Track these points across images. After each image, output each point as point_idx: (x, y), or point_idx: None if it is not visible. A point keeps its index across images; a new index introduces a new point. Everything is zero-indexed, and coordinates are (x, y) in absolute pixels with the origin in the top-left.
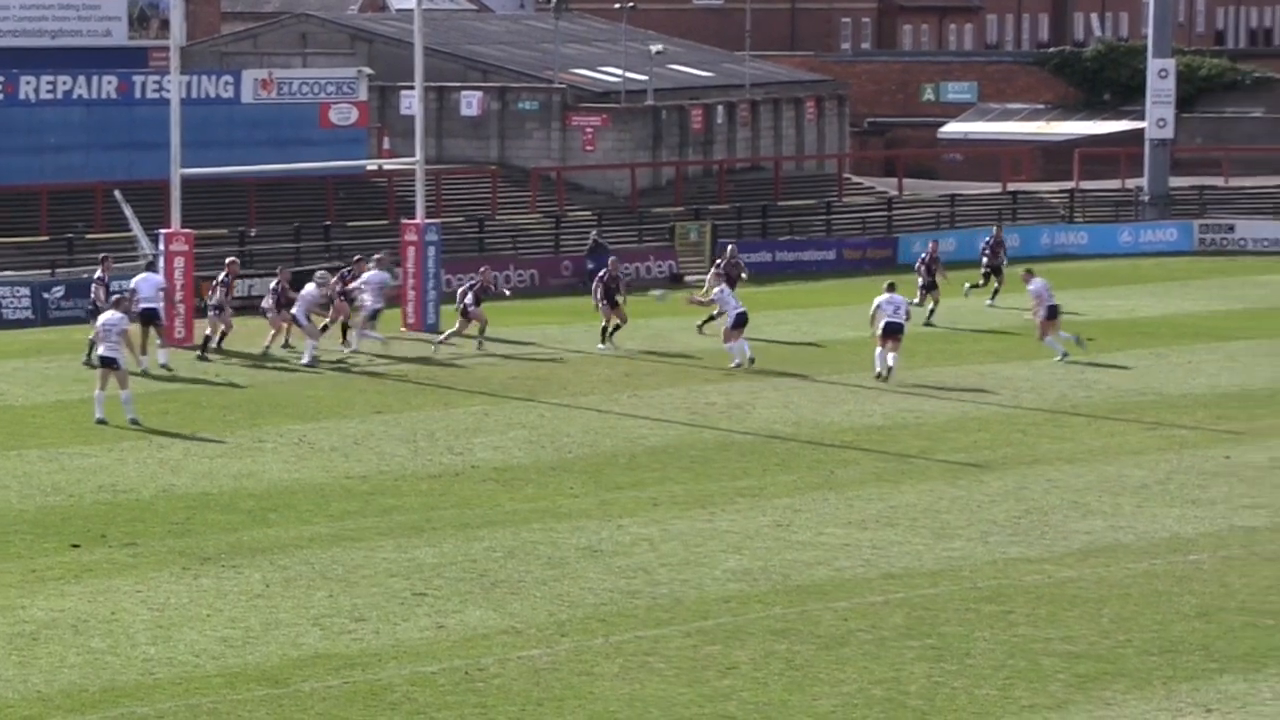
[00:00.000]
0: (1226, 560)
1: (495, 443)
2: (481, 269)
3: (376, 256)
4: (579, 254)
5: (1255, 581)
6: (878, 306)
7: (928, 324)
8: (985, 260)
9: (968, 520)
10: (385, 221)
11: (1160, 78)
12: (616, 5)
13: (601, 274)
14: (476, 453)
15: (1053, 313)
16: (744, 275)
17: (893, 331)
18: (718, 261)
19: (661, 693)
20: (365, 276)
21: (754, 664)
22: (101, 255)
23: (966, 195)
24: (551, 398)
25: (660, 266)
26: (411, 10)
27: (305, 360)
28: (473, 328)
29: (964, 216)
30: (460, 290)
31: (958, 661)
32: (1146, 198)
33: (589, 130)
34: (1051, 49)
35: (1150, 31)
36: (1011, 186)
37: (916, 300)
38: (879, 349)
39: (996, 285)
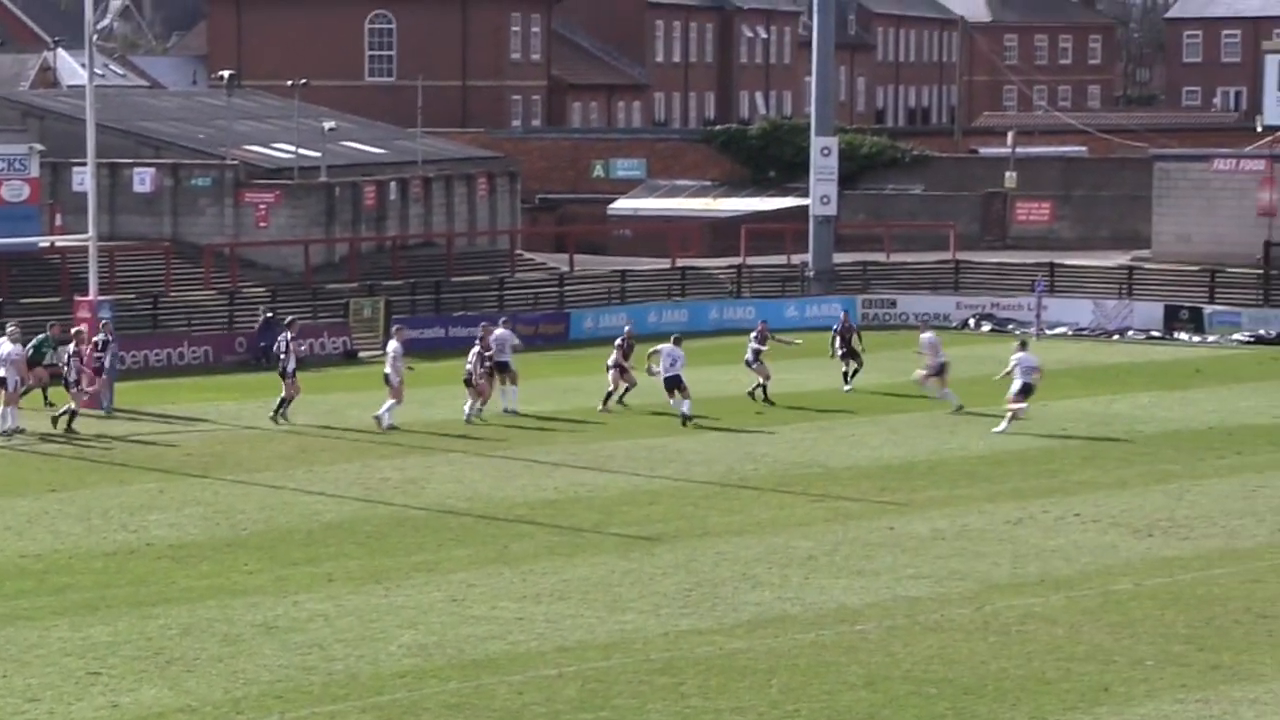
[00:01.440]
0: (891, 630)
1: (170, 520)
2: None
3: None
4: (252, 330)
5: (919, 651)
6: (655, 351)
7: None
8: (838, 344)
9: (640, 593)
10: (59, 299)
11: (823, 155)
12: (289, 82)
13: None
14: (151, 530)
15: (942, 369)
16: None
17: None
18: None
19: None
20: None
21: None
22: None
23: (637, 271)
24: (227, 474)
25: (335, 343)
26: (83, 87)
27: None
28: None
29: (634, 292)
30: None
31: None
32: (811, 273)
33: (262, 206)
34: (718, 126)
35: (813, 110)
36: (680, 262)
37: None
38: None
39: (857, 367)
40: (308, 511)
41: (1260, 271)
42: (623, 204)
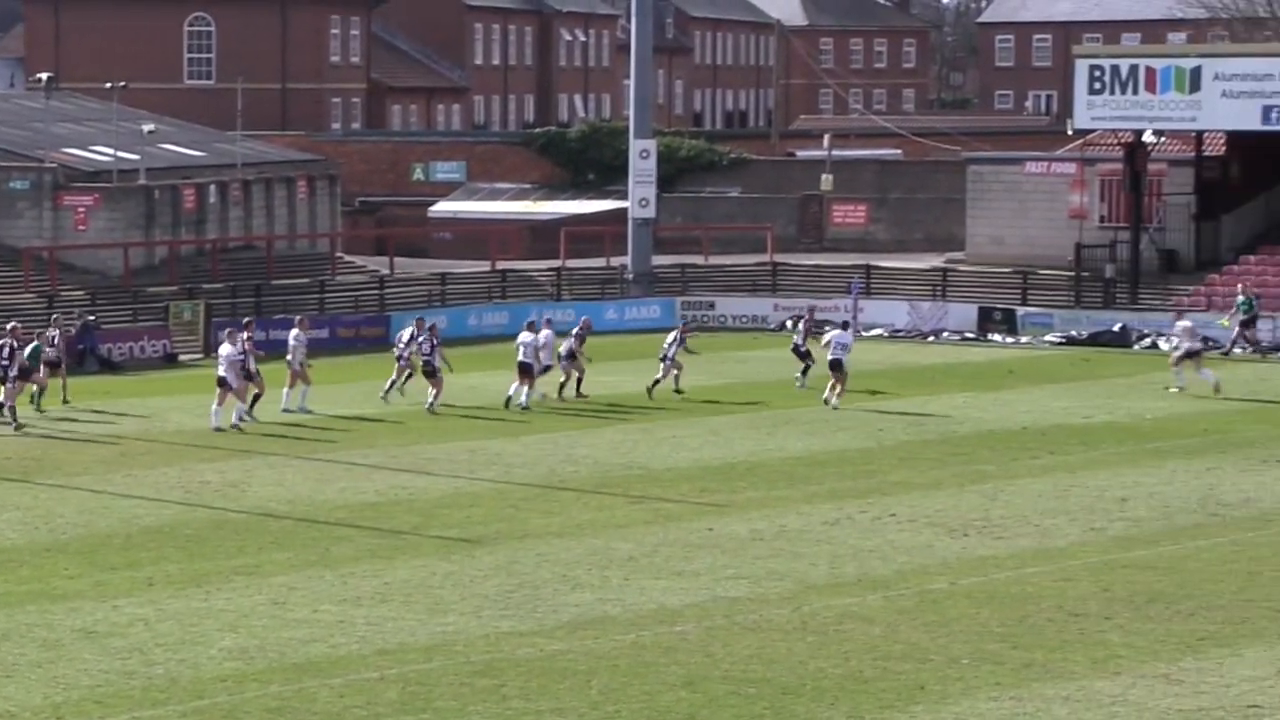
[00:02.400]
0: (710, 630)
1: None
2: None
3: None
4: (71, 334)
5: (737, 651)
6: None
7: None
8: (799, 342)
9: (461, 595)
10: None
11: (642, 158)
12: (108, 85)
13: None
14: None
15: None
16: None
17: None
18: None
19: None
20: None
21: None
22: None
23: (457, 274)
24: (45, 478)
25: (155, 346)
26: None
27: None
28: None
29: (455, 294)
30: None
31: None
32: (631, 275)
33: (81, 209)
34: (537, 129)
35: (631, 113)
36: (501, 264)
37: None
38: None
39: (806, 365)
40: (127, 515)
41: (1071, 273)
42: (443, 207)
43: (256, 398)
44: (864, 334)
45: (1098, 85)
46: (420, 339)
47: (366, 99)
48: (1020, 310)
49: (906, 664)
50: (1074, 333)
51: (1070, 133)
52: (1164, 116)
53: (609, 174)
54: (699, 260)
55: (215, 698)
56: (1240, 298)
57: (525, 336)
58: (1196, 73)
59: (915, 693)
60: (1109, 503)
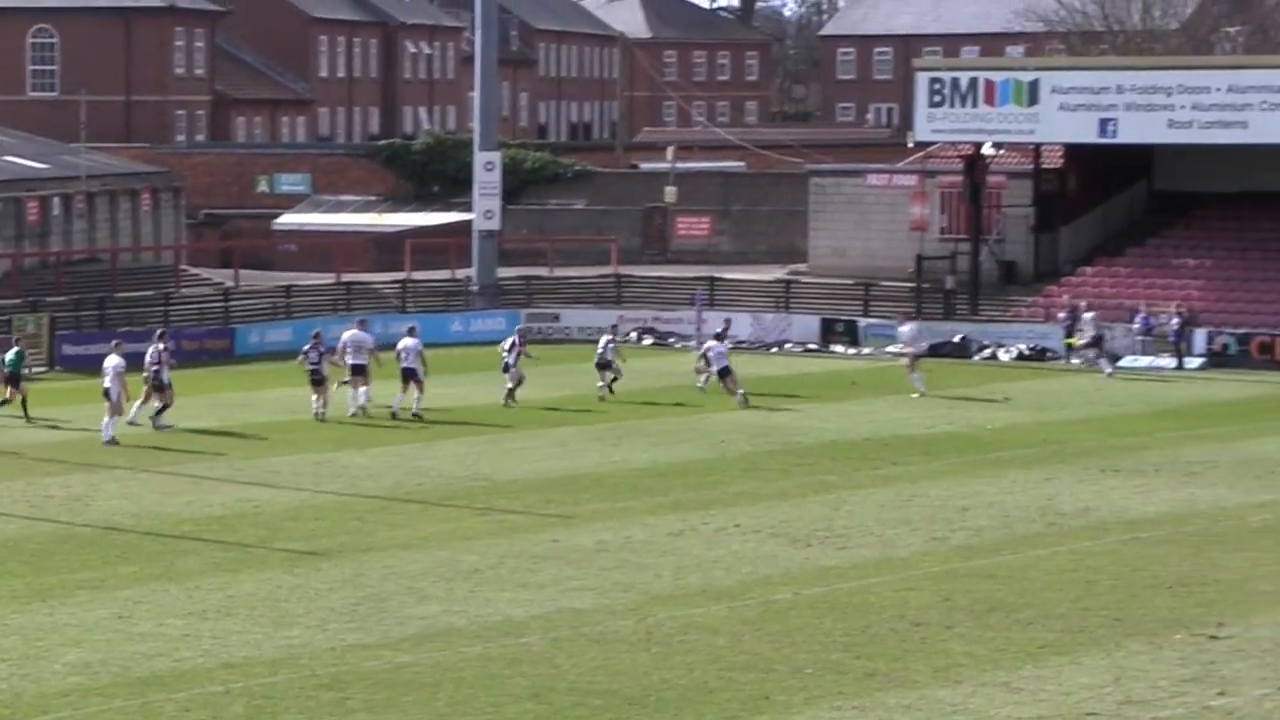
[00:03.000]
0: (556, 642)
1: None
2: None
3: None
4: None
5: (583, 662)
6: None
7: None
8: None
9: (306, 608)
10: None
11: (486, 170)
12: None
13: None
14: None
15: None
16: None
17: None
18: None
19: None
20: None
21: None
22: None
23: (302, 286)
24: None
25: None
26: None
27: None
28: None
29: (300, 307)
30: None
31: None
32: (476, 287)
33: None
34: (382, 141)
35: (476, 125)
36: (346, 277)
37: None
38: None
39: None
40: None
41: (913, 285)
42: (288, 219)
43: (165, 407)
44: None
45: (938, 98)
46: (306, 348)
47: (211, 111)
48: (862, 322)
49: (751, 674)
50: None
51: (911, 145)
52: (1003, 129)
53: (454, 186)
54: (544, 272)
55: (59, 713)
56: (1086, 315)
57: (408, 342)
58: (1034, 85)
59: (760, 703)
60: (950, 512)
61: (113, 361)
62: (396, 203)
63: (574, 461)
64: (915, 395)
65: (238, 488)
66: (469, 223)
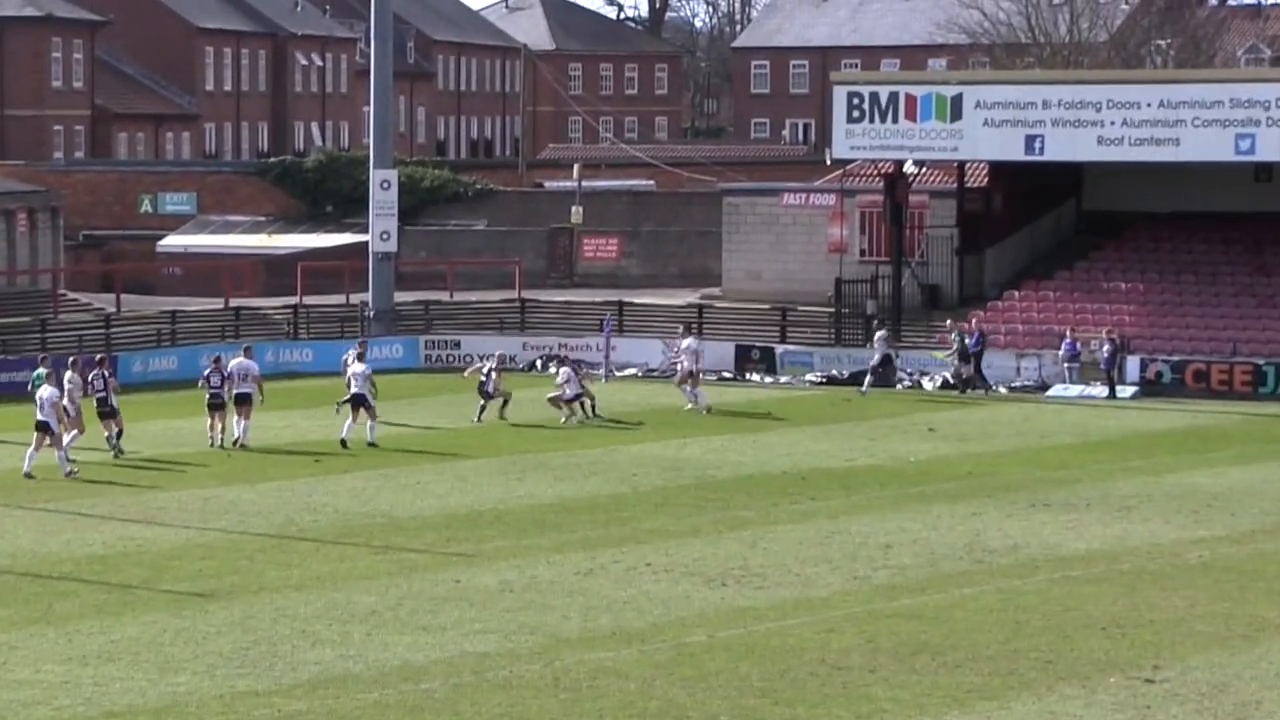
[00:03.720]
0: (458, 688)
1: None
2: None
3: None
4: None
5: (487, 709)
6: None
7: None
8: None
9: (193, 653)
10: None
11: (382, 189)
12: None
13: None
14: None
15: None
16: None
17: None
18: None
19: None
20: None
21: None
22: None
23: (188, 311)
24: None
25: None
26: None
27: None
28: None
29: (186, 333)
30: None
31: None
32: (372, 312)
33: None
34: (272, 159)
35: (371, 141)
36: (234, 302)
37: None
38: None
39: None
40: None
41: (832, 310)
42: (173, 240)
43: (121, 433)
44: (616, 374)
45: (856, 113)
46: (207, 371)
47: (91, 126)
48: (779, 348)
49: None
50: (834, 371)
51: (829, 163)
52: (925, 146)
53: (348, 206)
54: (444, 296)
55: None
56: (954, 335)
57: (357, 367)
58: (958, 100)
59: None
60: (873, 550)
61: (47, 392)
62: (288, 223)
63: (476, 496)
64: (689, 408)
65: (120, 525)
66: (364, 244)
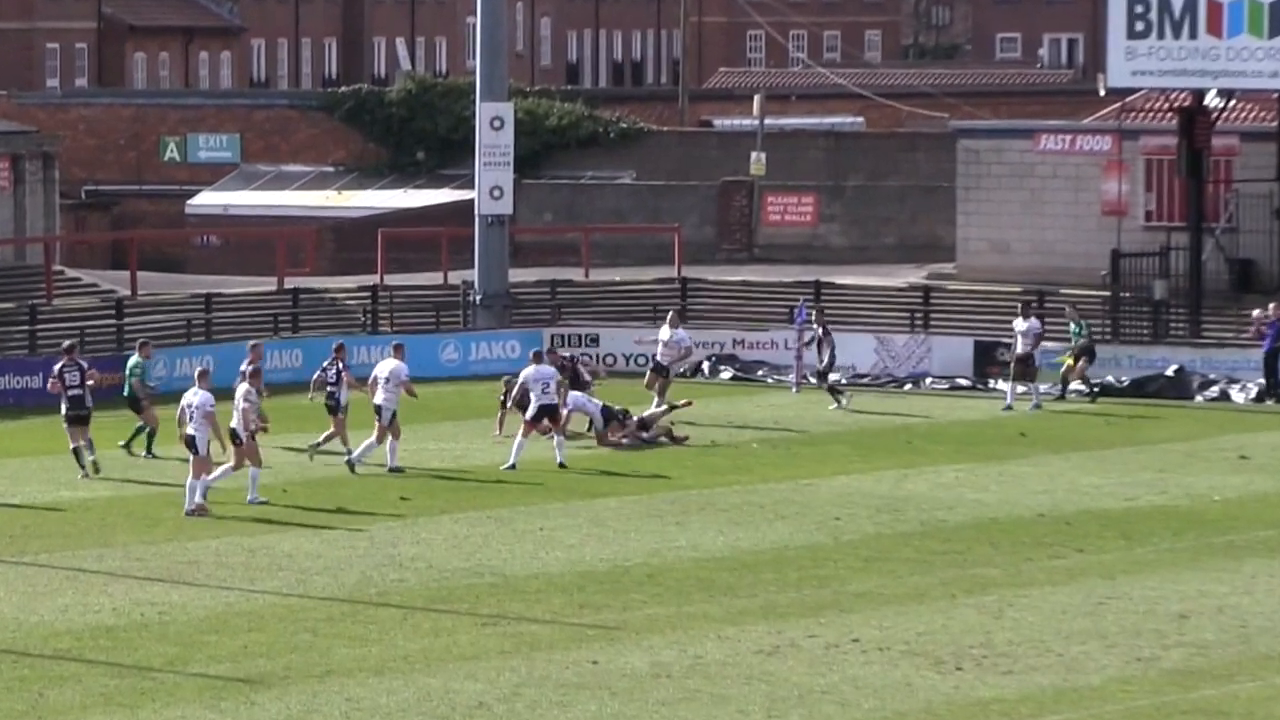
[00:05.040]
0: None
1: None
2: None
3: None
4: None
5: None
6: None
7: None
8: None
9: None
10: None
11: (493, 129)
12: None
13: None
14: None
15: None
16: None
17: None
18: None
19: None
20: None
21: None
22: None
23: (228, 295)
24: None
25: None
26: None
27: None
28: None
29: (225, 324)
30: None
31: None
32: (479, 297)
33: None
34: (343, 89)
35: (478, 65)
36: (291, 282)
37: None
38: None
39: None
40: None
41: (1107, 293)
42: (207, 199)
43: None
44: (811, 381)
45: (1140, 25)
46: (326, 364)
47: (98, 44)
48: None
49: None
50: (1110, 378)
51: (1103, 94)
52: (1234, 70)
53: (446, 152)
54: (577, 275)
55: None
56: (1071, 325)
57: (534, 371)
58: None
59: None
60: (1162, 621)
61: (199, 398)
62: (363, 176)
63: (620, 548)
64: (660, 407)
65: (137, 585)
66: (469, 204)
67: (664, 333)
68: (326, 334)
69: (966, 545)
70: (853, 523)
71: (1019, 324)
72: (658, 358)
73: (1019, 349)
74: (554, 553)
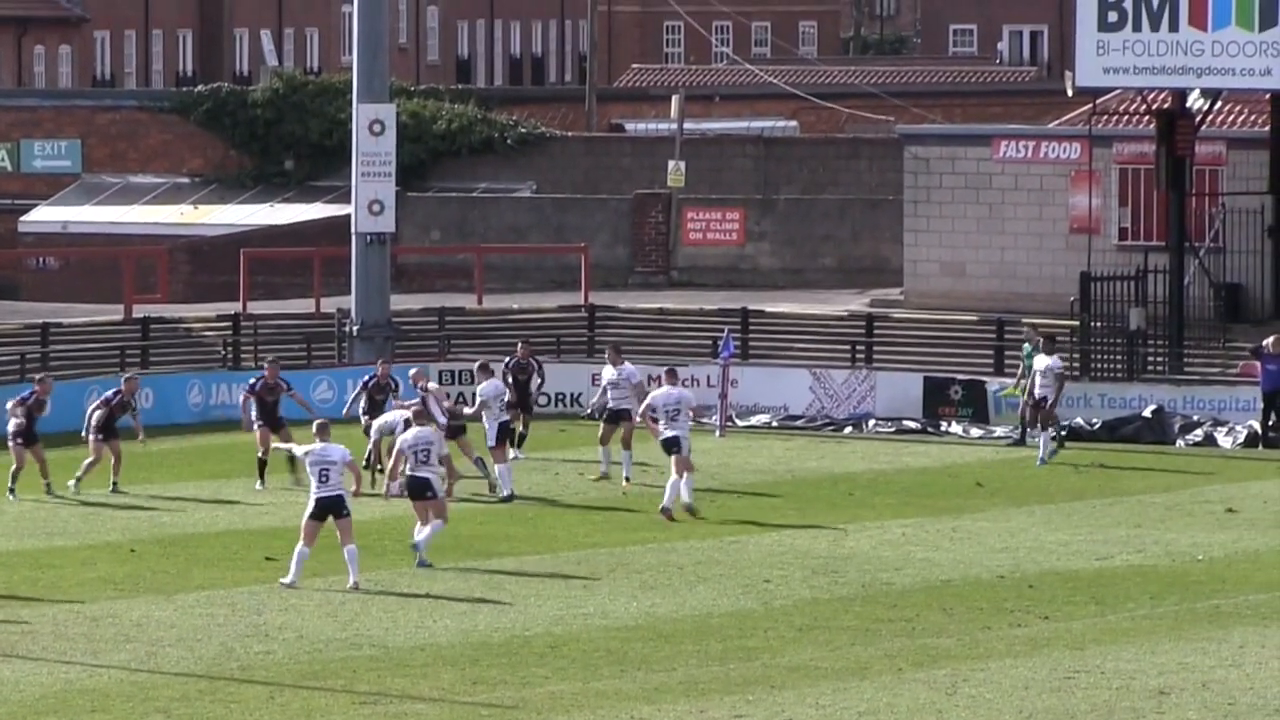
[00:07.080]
0: None
1: None
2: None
3: None
4: None
5: None
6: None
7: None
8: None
9: None
10: None
11: (373, 134)
12: None
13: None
14: None
15: None
16: None
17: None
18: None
19: None
20: None
21: None
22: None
23: (67, 326)
24: None
25: None
26: None
27: None
28: None
29: (62, 358)
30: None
31: None
32: (356, 326)
33: None
34: (200, 87)
35: (355, 61)
36: (140, 309)
37: None
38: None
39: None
40: None
41: (1076, 323)
42: (43, 214)
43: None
44: (738, 422)
45: (1113, 17)
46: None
47: None
48: (992, 383)
49: None
50: (1079, 420)
51: (1070, 94)
52: (1220, 67)
53: (318, 161)
54: (469, 302)
55: None
56: (1026, 346)
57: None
58: None
59: None
60: (1138, 698)
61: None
62: (223, 188)
63: (518, 615)
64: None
65: None
66: (344, 221)
67: (608, 373)
68: (180, 369)
69: (916, 611)
70: (785, 586)
71: (1039, 361)
72: (610, 405)
73: (1036, 391)
74: (442, 621)
